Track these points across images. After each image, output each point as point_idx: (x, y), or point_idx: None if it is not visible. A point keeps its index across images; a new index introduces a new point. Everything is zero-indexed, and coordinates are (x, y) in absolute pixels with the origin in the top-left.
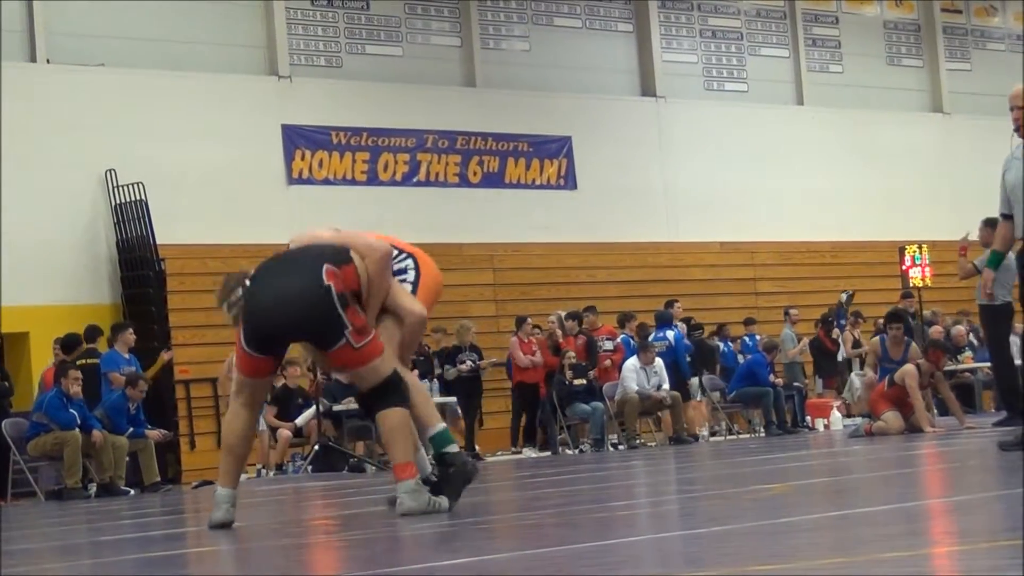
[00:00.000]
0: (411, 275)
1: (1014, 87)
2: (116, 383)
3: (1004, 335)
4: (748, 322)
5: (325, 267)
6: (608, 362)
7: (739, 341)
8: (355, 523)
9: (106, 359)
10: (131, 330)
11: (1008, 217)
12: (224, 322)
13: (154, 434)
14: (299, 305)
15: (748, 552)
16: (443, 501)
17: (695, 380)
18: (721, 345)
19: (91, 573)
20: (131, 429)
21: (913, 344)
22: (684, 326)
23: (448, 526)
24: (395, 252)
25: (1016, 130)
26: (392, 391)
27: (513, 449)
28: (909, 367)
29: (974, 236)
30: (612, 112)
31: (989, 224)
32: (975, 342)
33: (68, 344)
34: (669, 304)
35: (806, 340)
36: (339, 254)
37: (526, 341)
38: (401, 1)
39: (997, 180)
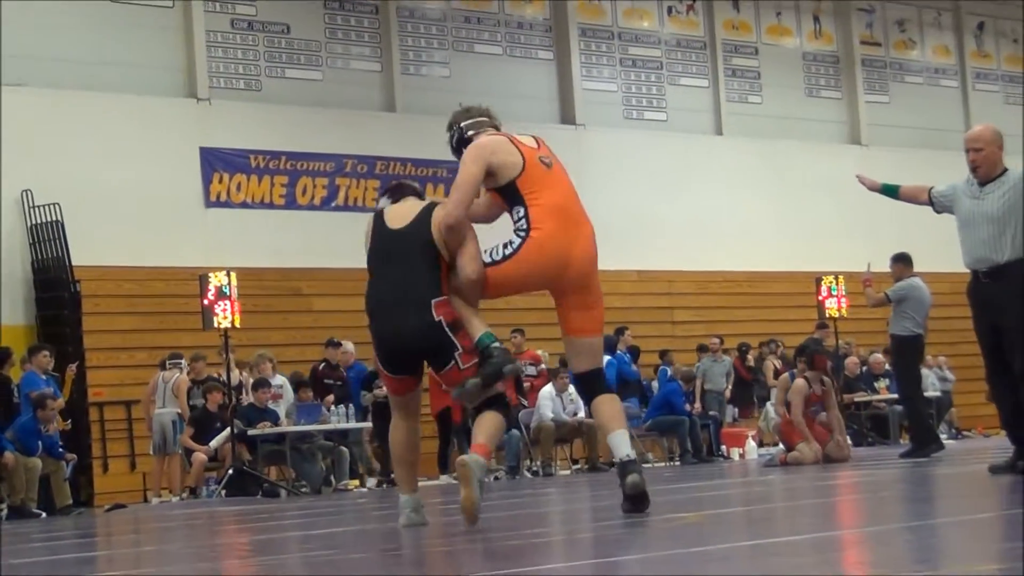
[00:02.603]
0: (507, 251)
1: (973, 129)
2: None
3: (914, 366)
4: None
5: (434, 303)
6: (528, 385)
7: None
8: (268, 549)
9: (26, 380)
10: (46, 352)
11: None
12: (142, 344)
13: None
14: (416, 337)
15: None
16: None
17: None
18: (668, 369)
19: None
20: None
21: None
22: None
23: (360, 555)
24: (519, 215)
25: (973, 171)
26: (496, 401)
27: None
28: (798, 382)
29: (875, 268)
30: None
31: (900, 260)
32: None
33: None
34: (619, 331)
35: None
36: (435, 259)
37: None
38: (322, 25)
39: (915, 212)
